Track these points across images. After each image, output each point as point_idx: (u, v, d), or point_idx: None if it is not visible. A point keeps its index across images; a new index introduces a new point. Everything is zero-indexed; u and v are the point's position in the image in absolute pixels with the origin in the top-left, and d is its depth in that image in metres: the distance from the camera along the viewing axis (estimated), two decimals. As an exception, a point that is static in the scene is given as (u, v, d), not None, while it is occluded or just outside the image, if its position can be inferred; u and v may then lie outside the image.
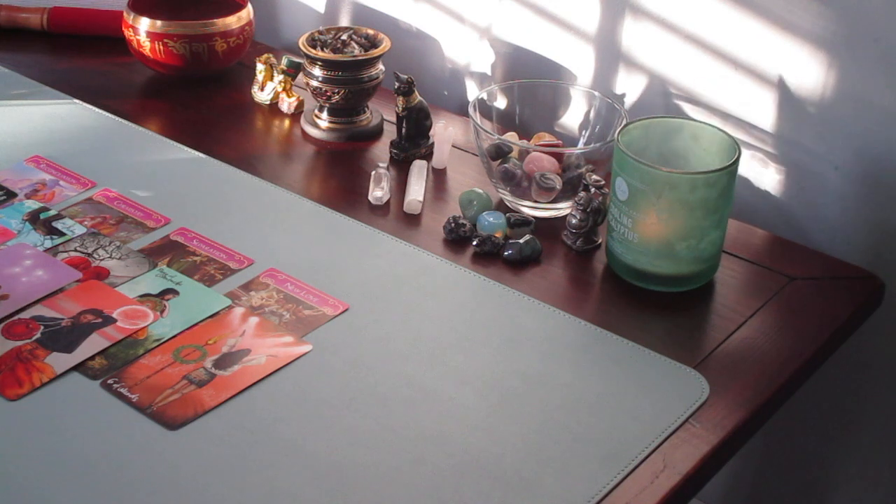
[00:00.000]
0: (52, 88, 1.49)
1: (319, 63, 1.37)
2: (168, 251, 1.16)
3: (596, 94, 1.32)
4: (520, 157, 1.25)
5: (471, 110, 1.27)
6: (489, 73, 1.51)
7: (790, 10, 1.21)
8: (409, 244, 1.19)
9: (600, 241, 1.20)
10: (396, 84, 1.33)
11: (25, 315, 1.06)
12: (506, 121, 1.36)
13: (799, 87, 1.24)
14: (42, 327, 1.04)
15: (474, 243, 1.18)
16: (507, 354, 1.03)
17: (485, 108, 1.32)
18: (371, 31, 1.43)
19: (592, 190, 1.17)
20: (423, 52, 1.57)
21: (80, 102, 1.46)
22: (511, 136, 1.32)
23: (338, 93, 1.38)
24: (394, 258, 1.16)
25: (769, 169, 1.30)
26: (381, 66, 1.41)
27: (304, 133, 1.42)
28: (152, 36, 1.47)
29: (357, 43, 1.40)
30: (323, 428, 0.94)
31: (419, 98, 1.35)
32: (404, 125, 1.35)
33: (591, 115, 1.33)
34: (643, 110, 1.36)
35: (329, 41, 1.40)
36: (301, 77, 1.44)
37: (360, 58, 1.37)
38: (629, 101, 1.38)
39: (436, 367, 1.01)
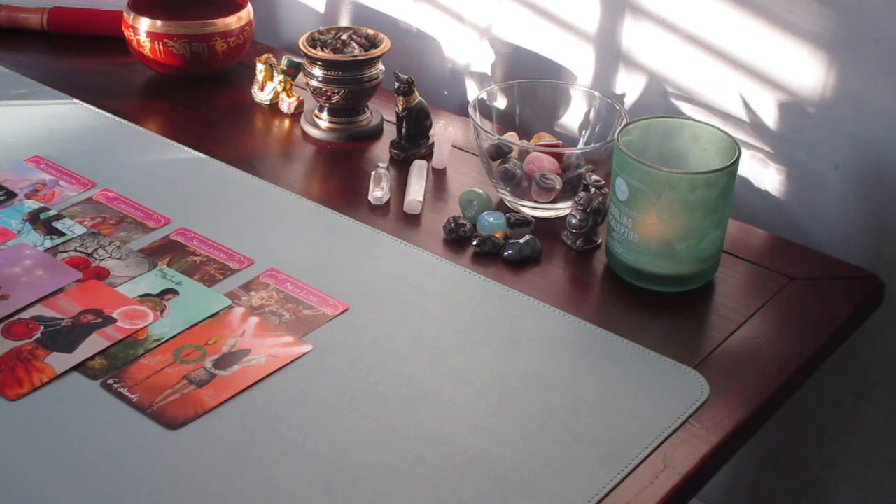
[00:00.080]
0: (52, 88, 1.49)
1: (319, 63, 1.37)
2: (168, 251, 1.16)
3: (596, 94, 1.32)
4: (520, 157, 1.25)
5: (471, 110, 1.27)
6: (489, 73, 1.51)
7: (790, 10, 1.21)
8: (409, 244, 1.19)
9: (600, 241, 1.20)
10: (396, 84, 1.33)
11: (25, 315, 1.06)
12: (506, 121, 1.36)
13: (799, 87, 1.24)
14: (42, 327, 1.04)
15: (474, 243, 1.18)
16: (507, 354, 1.03)
17: (485, 108, 1.32)
18: (371, 31, 1.43)
19: (592, 190, 1.17)
20: (423, 52, 1.57)
21: (80, 102, 1.46)
22: (511, 136, 1.32)
23: (338, 93, 1.38)
24: (394, 258, 1.16)
25: (769, 169, 1.30)
26: (381, 66, 1.41)
27: (304, 133, 1.42)
28: (152, 36, 1.47)
29: (357, 43, 1.40)
30: (323, 428, 0.94)
31: (419, 98, 1.35)
32: (404, 125, 1.35)
33: (591, 115, 1.33)
34: (643, 110, 1.36)
35: (329, 41, 1.40)
36: (301, 77, 1.44)
37: (360, 58, 1.37)
38: (629, 101, 1.38)
39: (436, 367, 1.01)
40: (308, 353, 1.03)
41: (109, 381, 0.98)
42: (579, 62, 1.41)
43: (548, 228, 1.23)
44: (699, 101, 1.32)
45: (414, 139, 1.36)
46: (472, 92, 1.54)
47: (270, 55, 1.48)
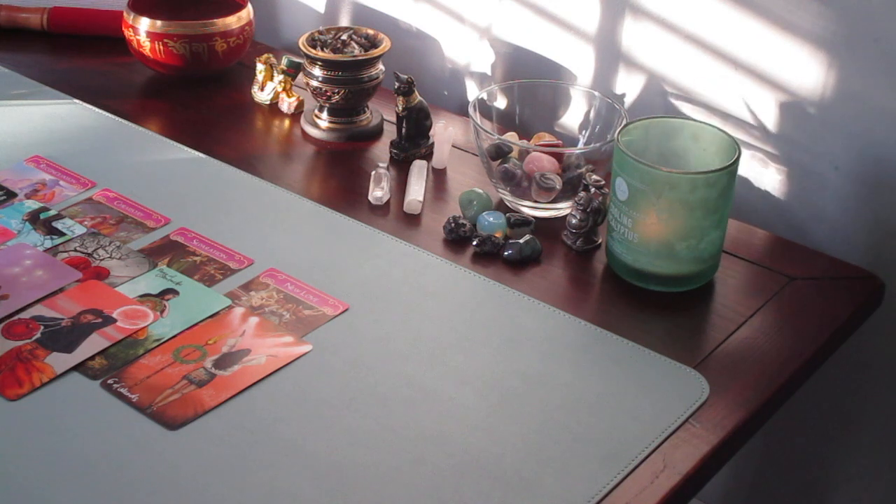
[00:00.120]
0: (52, 88, 1.49)
1: (319, 63, 1.37)
2: (168, 251, 1.16)
3: (596, 94, 1.32)
4: (520, 157, 1.25)
5: (471, 110, 1.27)
6: (489, 73, 1.51)
7: (790, 10, 1.21)
8: (409, 244, 1.19)
9: (600, 241, 1.20)
10: (396, 84, 1.33)
11: (25, 315, 1.06)
12: (506, 121, 1.36)
13: (799, 87, 1.24)
14: (42, 327, 1.04)
15: (474, 243, 1.18)
16: (507, 354, 1.03)
17: (485, 108, 1.32)
18: (371, 31, 1.43)
19: (592, 190, 1.17)
20: (423, 52, 1.57)
21: (80, 102, 1.46)
22: (511, 136, 1.32)
23: (338, 93, 1.38)
24: (394, 258, 1.16)
25: (769, 169, 1.30)
26: (381, 66, 1.41)
27: (304, 133, 1.42)
28: (152, 36, 1.47)
29: (357, 43, 1.40)
30: (323, 428, 0.94)
31: (419, 98, 1.35)
32: (404, 125, 1.35)
33: (591, 115, 1.33)
34: (643, 110, 1.36)
35: (329, 41, 1.40)
36: (301, 77, 1.44)
37: (360, 58, 1.37)
38: (629, 101, 1.38)
39: (436, 367, 1.01)
40: (308, 353, 1.03)
41: (109, 381, 0.98)
42: (579, 62, 1.41)
43: (548, 228, 1.23)
44: (699, 101, 1.32)
45: (414, 139, 1.36)
46: (472, 92, 1.54)
47: (270, 55, 1.48)
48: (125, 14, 1.50)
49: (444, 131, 1.34)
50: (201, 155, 1.35)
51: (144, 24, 1.47)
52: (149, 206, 1.24)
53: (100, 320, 1.05)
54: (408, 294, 1.11)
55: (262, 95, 1.48)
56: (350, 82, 1.37)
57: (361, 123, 1.42)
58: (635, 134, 1.14)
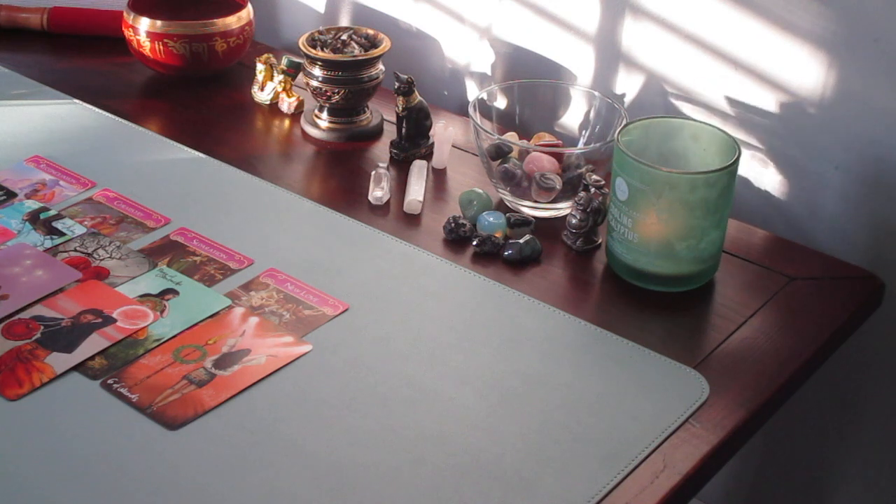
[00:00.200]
0: (52, 88, 1.49)
1: (319, 63, 1.37)
2: (168, 251, 1.16)
3: (596, 94, 1.32)
4: (520, 157, 1.25)
5: (471, 110, 1.27)
6: (489, 73, 1.51)
7: (790, 10, 1.21)
8: (409, 244, 1.19)
9: (600, 241, 1.20)
10: (396, 84, 1.33)
11: (25, 315, 1.06)
12: (506, 121, 1.36)
13: (799, 87, 1.24)
14: (42, 327, 1.04)
15: (474, 243, 1.18)
16: (507, 354, 1.03)
17: (485, 108, 1.32)
18: (371, 31, 1.43)
19: (592, 190, 1.17)
20: (423, 52, 1.57)
21: (80, 102, 1.46)
22: (511, 136, 1.32)
23: (338, 93, 1.38)
24: (394, 258, 1.16)
25: (769, 169, 1.30)
26: (381, 66, 1.41)
27: (304, 133, 1.42)
28: (152, 36, 1.47)
29: (357, 43, 1.40)
30: (323, 428, 0.94)
31: (419, 98, 1.35)
32: (404, 125, 1.35)
33: (591, 115, 1.33)
34: (643, 110, 1.36)
35: (329, 41, 1.40)
36: (301, 77, 1.44)
37: (360, 58, 1.37)
38: (629, 101, 1.38)
39: (436, 367, 1.01)
40: (308, 353, 1.03)
41: (109, 381, 0.98)
42: (579, 62, 1.41)
43: (548, 228, 1.23)
44: (699, 101, 1.32)
45: (414, 139, 1.36)
46: (472, 92, 1.54)
47: (270, 55, 1.48)
48: (125, 14, 1.50)
49: (444, 131, 1.34)
50: (201, 155, 1.35)
51: (144, 24, 1.47)
52: (149, 206, 1.24)
53: (100, 320, 1.05)
54: (408, 294, 1.11)
55: (262, 95, 1.48)
56: (350, 82, 1.37)
57: (361, 123, 1.42)
58: (635, 134, 1.14)
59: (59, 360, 1.00)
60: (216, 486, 0.88)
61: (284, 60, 1.46)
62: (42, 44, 1.63)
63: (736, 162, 1.08)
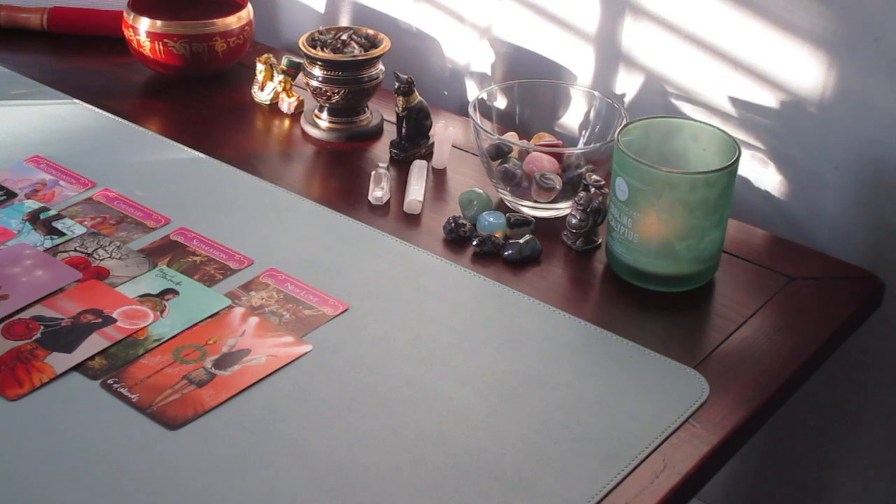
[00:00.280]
0: (52, 88, 1.49)
1: (319, 63, 1.37)
2: (168, 251, 1.16)
3: (596, 94, 1.32)
4: (520, 157, 1.25)
5: (471, 110, 1.27)
6: (489, 73, 1.51)
7: (790, 10, 1.21)
8: (409, 244, 1.19)
9: (600, 241, 1.20)
10: (396, 84, 1.33)
11: (25, 315, 1.06)
12: (506, 121, 1.36)
13: (799, 87, 1.24)
14: (42, 327, 1.04)
15: (474, 243, 1.18)
16: (507, 354, 1.03)
17: (485, 108, 1.32)
18: (371, 31, 1.43)
19: (592, 190, 1.17)
20: (423, 52, 1.57)
21: (80, 102, 1.46)
22: (511, 136, 1.32)
23: (338, 93, 1.38)
24: (394, 258, 1.16)
25: (769, 169, 1.30)
26: (381, 66, 1.41)
27: (304, 133, 1.42)
28: (152, 36, 1.47)
29: (357, 43, 1.40)
30: (323, 428, 0.94)
31: (419, 98, 1.35)
32: (404, 125, 1.35)
33: (591, 115, 1.33)
34: (643, 110, 1.36)
35: (329, 41, 1.40)
36: (301, 77, 1.44)
37: (360, 58, 1.37)
38: (629, 101, 1.38)
39: (436, 367, 1.01)
40: (308, 353, 1.03)
41: (109, 381, 0.98)
42: (579, 62, 1.41)
43: (548, 228, 1.23)
44: (699, 101, 1.32)
45: (414, 139, 1.36)
46: (472, 92, 1.54)
47: (270, 55, 1.48)
48: (125, 14, 1.50)
49: (444, 131, 1.34)
50: (201, 155, 1.35)
51: (144, 24, 1.47)
52: (149, 206, 1.24)
53: (100, 320, 1.05)
54: (408, 294, 1.11)
55: (262, 95, 1.48)
56: (350, 82, 1.37)
57: (361, 123, 1.42)
58: (635, 134, 1.14)
59: (59, 360, 1.00)
60: (216, 486, 0.88)
61: (284, 60, 1.46)
62: (42, 44, 1.63)
63: (736, 162, 1.08)
